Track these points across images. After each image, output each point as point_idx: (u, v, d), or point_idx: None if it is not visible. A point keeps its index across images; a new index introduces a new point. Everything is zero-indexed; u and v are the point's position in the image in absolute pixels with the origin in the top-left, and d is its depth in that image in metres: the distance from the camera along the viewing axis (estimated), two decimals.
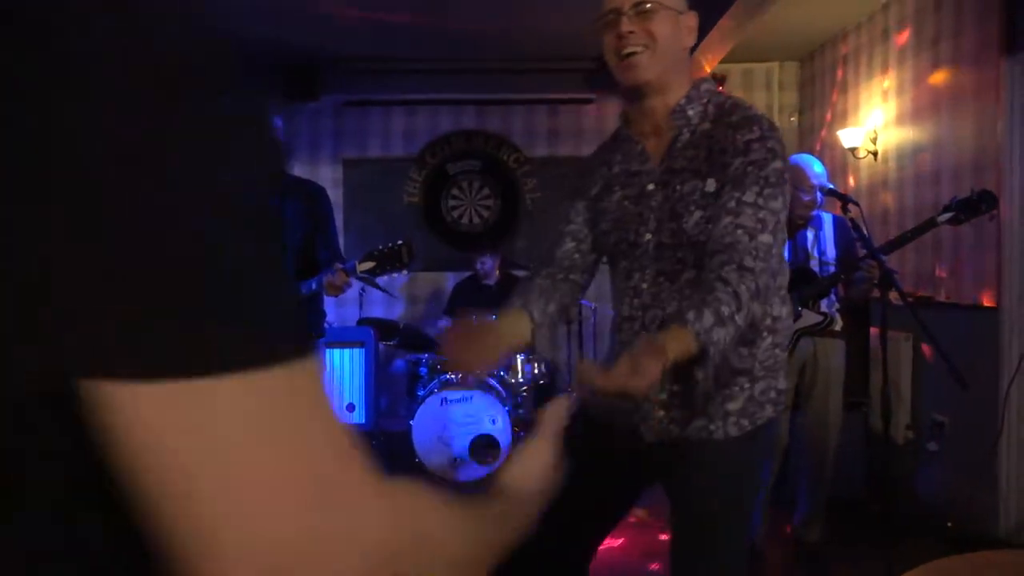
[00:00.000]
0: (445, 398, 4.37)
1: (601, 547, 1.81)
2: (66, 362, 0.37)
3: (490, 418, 4.35)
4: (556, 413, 0.79)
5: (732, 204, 1.46)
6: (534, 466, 0.73)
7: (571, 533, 1.66)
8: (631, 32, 1.51)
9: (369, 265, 2.93)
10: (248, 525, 0.38)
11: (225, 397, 0.38)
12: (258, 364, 0.38)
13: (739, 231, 1.43)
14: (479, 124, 6.04)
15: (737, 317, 1.39)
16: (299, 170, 5.50)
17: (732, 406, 1.57)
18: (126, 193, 0.36)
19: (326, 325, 3.32)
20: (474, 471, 4.38)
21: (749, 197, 1.45)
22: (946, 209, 2.82)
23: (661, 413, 1.58)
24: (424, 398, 4.42)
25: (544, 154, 6.04)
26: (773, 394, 1.61)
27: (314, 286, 2.93)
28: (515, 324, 1.66)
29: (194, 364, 0.37)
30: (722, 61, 5.10)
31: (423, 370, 4.76)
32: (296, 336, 0.41)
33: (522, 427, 4.70)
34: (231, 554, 0.38)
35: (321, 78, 5.61)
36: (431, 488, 0.51)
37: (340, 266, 2.90)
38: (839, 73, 5.07)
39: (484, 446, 4.36)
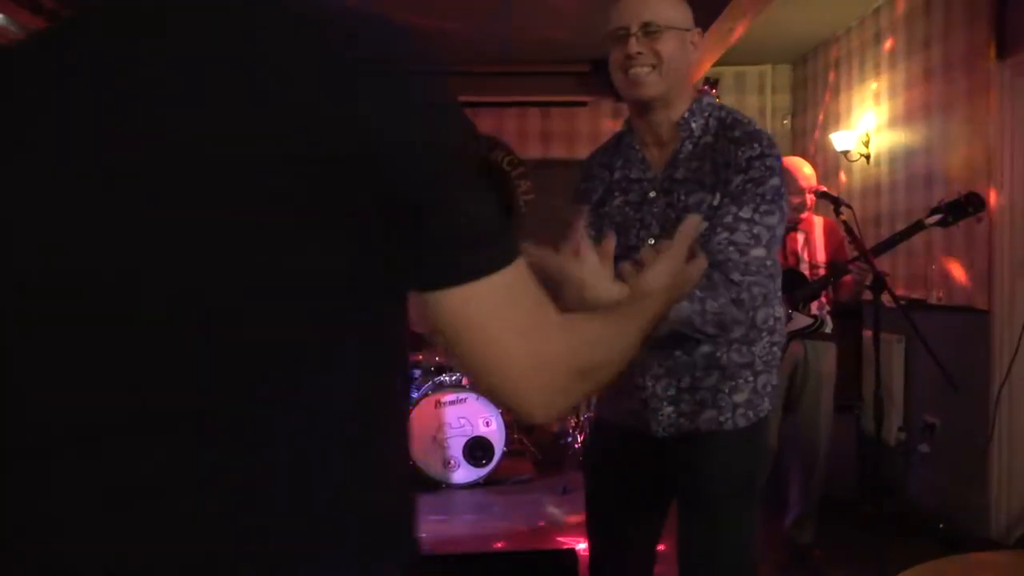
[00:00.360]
0: (439, 400, 4.38)
1: (585, 554, 1.86)
2: (427, 279, 0.67)
3: (484, 420, 4.36)
4: (688, 228, 0.99)
5: (729, 219, 1.53)
6: (666, 269, 0.95)
7: (628, 546, 1.77)
8: (639, 53, 1.56)
9: None
10: (521, 348, 0.69)
11: (505, 280, 0.68)
12: (514, 257, 0.69)
13: (731, 248, 1.51)
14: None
15: (709, 303, 1.49)
16: None
17: (739, 398, 1.64)
18: (462, 202, 0.68)
19: None
20: (468, 473, 4.39)
21: (746, 213, 1.52)
22: (934, 211, 2.84)
23: (669, 408, 1.64)
24: (418, 400, 4.41)
25: (537, 156, 6.05)
26: (769, 388, 1.70)
27: None
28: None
29: (493, 265, 0.67)
30: (715, 64, 5.12)
31: (416, 372, 4.76)
32: (517, 240, 0.72)
33: (516, 430, 4.70)
34: (515, 366, 0.69)
35: None
36: (592, 313, 0.85)
37: None
38: (831, 76, 5.10)
39: (478, 448, 4.37)
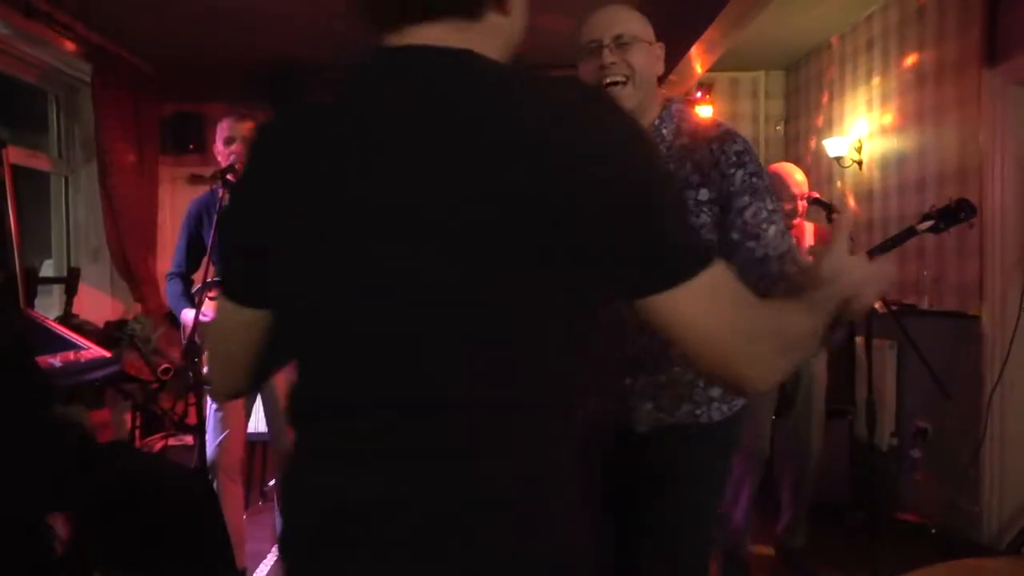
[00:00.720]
0: None
1: None
2: (643, 288, 0.82)
3: None
4: (843, 224, 1.08)
5: (765, 215, 1.65)
6: (838, 264, 1.02)
7: (625, 545, 1.82)
8: (613, 63, 1.66)
9: None
10: (729, 335, 0.84)
11: (706, 280, 0.82)
12: (711, 260, 0.83)
13: (785, 236, 1.69)
14: None
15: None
16: None
17: (714, 392, 1.72)
18: (663, 221, 0.82)
19: None
20: None
21: (771, 205, 1.67)
22: (926, 217, 2.84)
23: (648, 404, 1.71)
24: None
25: None
26: None
27: None
28: None
29: (696, 268, 0.81)
30: (709, 70, 5.13)
31: None
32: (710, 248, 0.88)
33: None
34: (726, 350, 0.84)
35: (308, 85, 5.61)
36: (786, 300, 0.97)
37: None
38: (824, 82, 5.12)
39: None
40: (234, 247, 0.98)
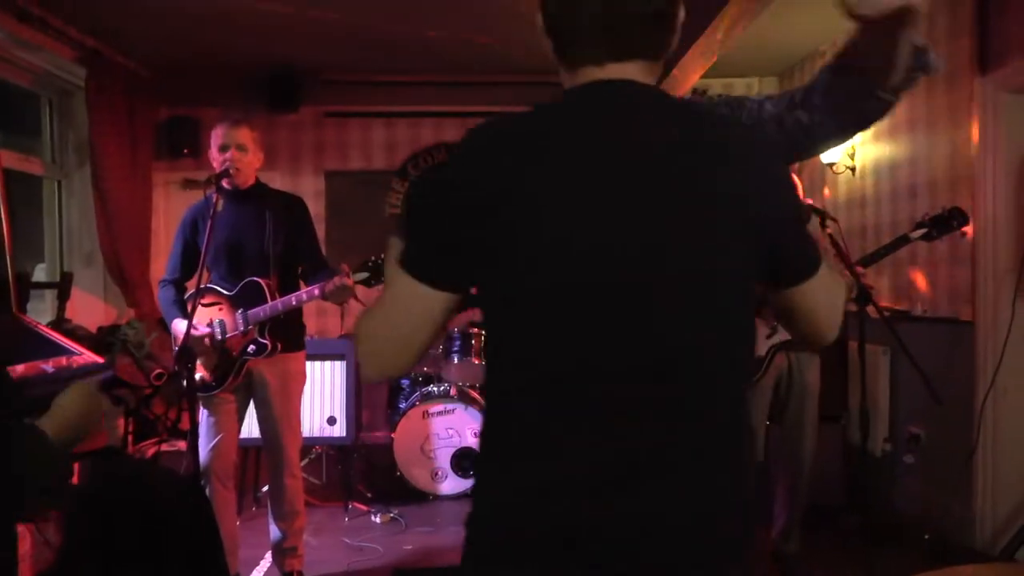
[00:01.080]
0: (426, 411, 4.37)
1: None
2: (789, 278, 1.11)
3: (472, 431, 4.35)
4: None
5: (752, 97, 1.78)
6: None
7: None
8: None
9: (363, 276, 2.91)
10: (832, 309, 1.15)
11: (823, 272, 1.12)
12: (823, 259, 1.14)
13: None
14: (461, 136, 6.04)
15: None
16: (281, 181, 5.49)
17: None
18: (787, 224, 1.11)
19: (307, 338, 3.31)
20: (455, 484, 4.37)
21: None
22: (919, 225, 2.86)
23: None
24: (406, 411, 4.40)
25: None
26: None
27: (316, 292, 2.89)
28: None
29: (816, 266, 1.11)
30: (703, 76, 5.15)
31: (405, 382, 4.74)
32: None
33: None
34: (830, 321, 1.15)
35: (302, 89, 5.61)
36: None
37: (344, 275, 2.85)
38: None
39: (466, 459, 4.36)
40: (447, 240, 1.04)
